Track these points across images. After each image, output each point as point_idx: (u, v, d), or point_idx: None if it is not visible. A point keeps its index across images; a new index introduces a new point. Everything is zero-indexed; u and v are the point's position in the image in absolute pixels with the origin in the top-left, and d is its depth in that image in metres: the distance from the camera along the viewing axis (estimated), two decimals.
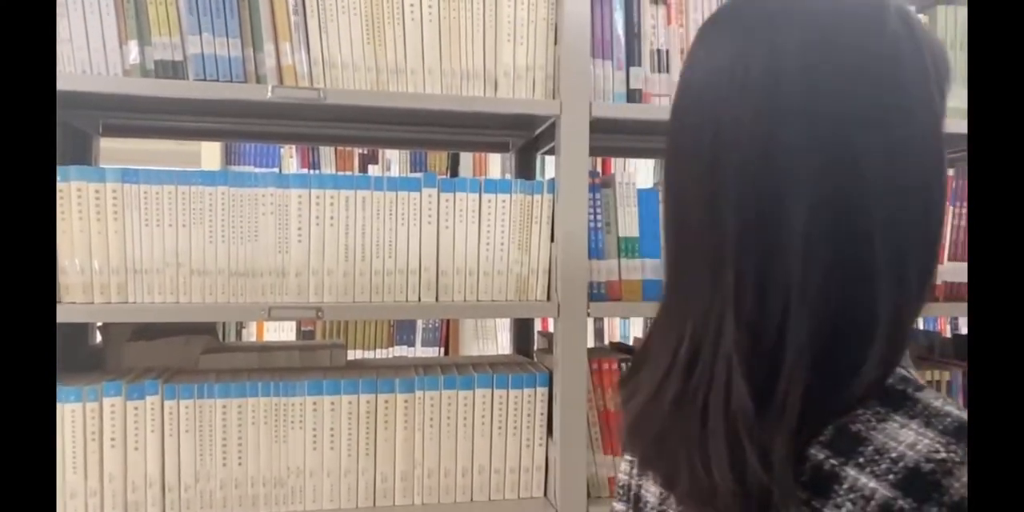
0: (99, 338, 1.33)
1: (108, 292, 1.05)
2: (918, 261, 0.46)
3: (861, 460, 0.42)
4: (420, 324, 2.46)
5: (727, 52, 0.48)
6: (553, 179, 1.17)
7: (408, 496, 1.14)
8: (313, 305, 1.09)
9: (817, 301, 0.44)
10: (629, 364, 0.59)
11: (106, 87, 1.05)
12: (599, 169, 2.49)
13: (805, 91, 0.45)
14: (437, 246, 1.14)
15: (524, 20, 1.15)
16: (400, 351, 2.44)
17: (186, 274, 1.07)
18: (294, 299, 1.09)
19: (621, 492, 0.63)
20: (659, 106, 1.21)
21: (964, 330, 2.04)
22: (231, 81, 1.07)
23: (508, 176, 1.85)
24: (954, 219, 1.27)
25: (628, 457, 0.63)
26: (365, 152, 2.52)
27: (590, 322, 1.18)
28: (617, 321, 2.63)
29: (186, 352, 1.25)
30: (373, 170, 2.52)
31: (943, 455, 0.40)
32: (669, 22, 1.22)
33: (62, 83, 1.00)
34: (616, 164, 2.55)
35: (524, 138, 1.43)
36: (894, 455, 0.41)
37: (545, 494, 1.18)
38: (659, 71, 1.22)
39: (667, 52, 1.22)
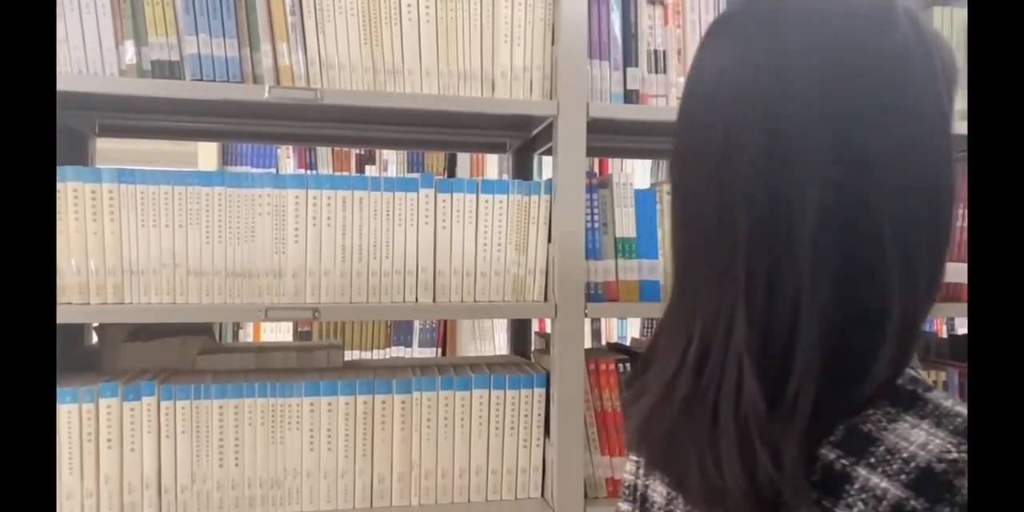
0: (95, 339, 1.33)
1: (104, 293, 1.05)
2: (927, 261, 0.46)
3: (872, 460, 0.42)
4: (417, 325, 2.46)
5: (736, 54, 0.49)
6: (550, 180, 1.17)
7: (405, 497, 1.14)
8: (310, 306, 1.08)
9: (828, 301, 0.45)
10: (635, 364, 0.59)
11: (102, 87, 1.04)
12: (596, 169, 2.50)
13: (814, 92, 0.45)
14: (434, 247, 1.14)
15: (521, 21, 1.15)
16: (397, 352, 2.44)
17: (183, 275, 1.07)
18: (291, 300, 1.09)
19: (627, 492, 0.63)
20: (656, 107, 1.21)
21: (960, 331, 2.05)
22: (228, 81, 1.07)
23: (505, 176, 1.85)
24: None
25: (634, 457, 0.63)
26: (362, 152, 2.51)
27: (587, 322, 1.18)
28: (614, 321, 2.64)
29: (183, 353, 1.25)
30: (370, 170, 2.52)
31: (955, 455, 0.40)
32: (666, 23, 1.22)
33: (59, 83, 1.00)
34: (613, 164, 2.55)
35: (521, 138, 1.43)
36: (906, 455, 0.41)
37: (542, 495, 1.18)
38: (656, 72, 1.22)
39: (664, 53, 1.22)
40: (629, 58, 1.21)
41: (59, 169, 1.03)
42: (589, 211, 1.17)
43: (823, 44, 0.46)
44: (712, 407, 0.46)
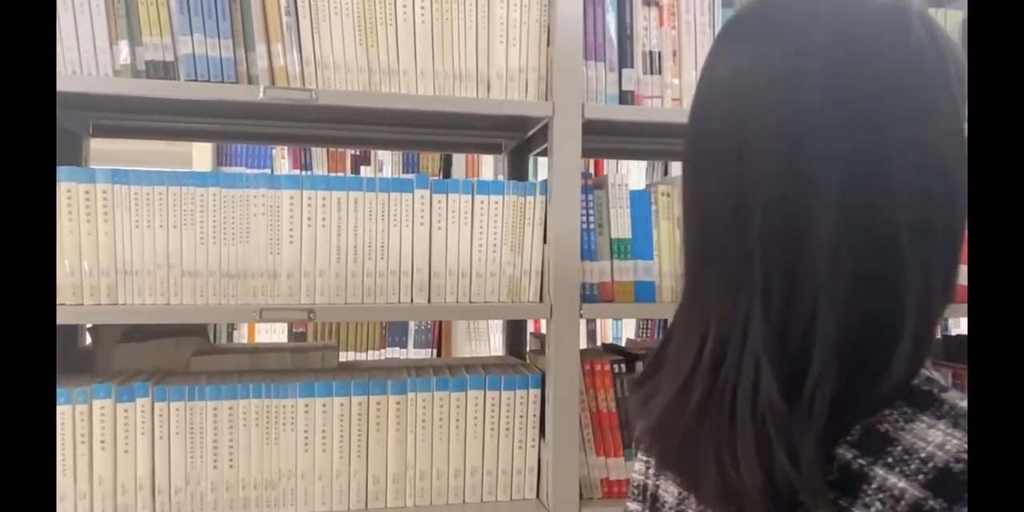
0: (89, 340, 1.32)
1: (98, 294, 1.04)
2: (943, 262, 0.47)
3: (890, 460, 0.42)
4: (412, 326, 2.45)
5: (750, 57, 0.49)
6: (546, 180, 1.17)
7: (400, 498, 1.14)
8: (305, 306, 1.08)
9: (845, 303, 0.45)
10: (643, 365, 0.59)
11: (96, 87, 1.04)
12: (591, 170, 2.50)
13: (830, 95, 0.45)
14: (429, 247, 1.14)
15: (517, 21, 1.15)
16: (392, 353, 2.43)
17: (177, 275, 1.06)
18: (286, 300, 1.09)
19: (636, 492, 0.63)
20: (651, 108, 1.22)
21: (955, 332, 2.06)
22: (222, 82, 1.07)
23: (501, 177, 1.85)
24: None
25: (643, 457, 0.63)
26: (357, 153, 2.51)
27: (582, 323, 1.18)
28: (609, 322, 2.64)
29: (177, 354, 1.25)
30: (365, 171, 2.52)
31: None
32: (661, 24, 1.22)
33: None
34: (608, 165, 2.56)
35: (516, 139, 1.43)
36: (923, 455, 0.41)
37: (537, 496, 1.18)
38: (651, 73, 1.22)
39: (659, 54, 1.22)
40: (624, 59, 1.21)
41: None
42: (584, 212, 1.17)
43: (839, 48, 0.46)
44: (729, 407, 0.46)
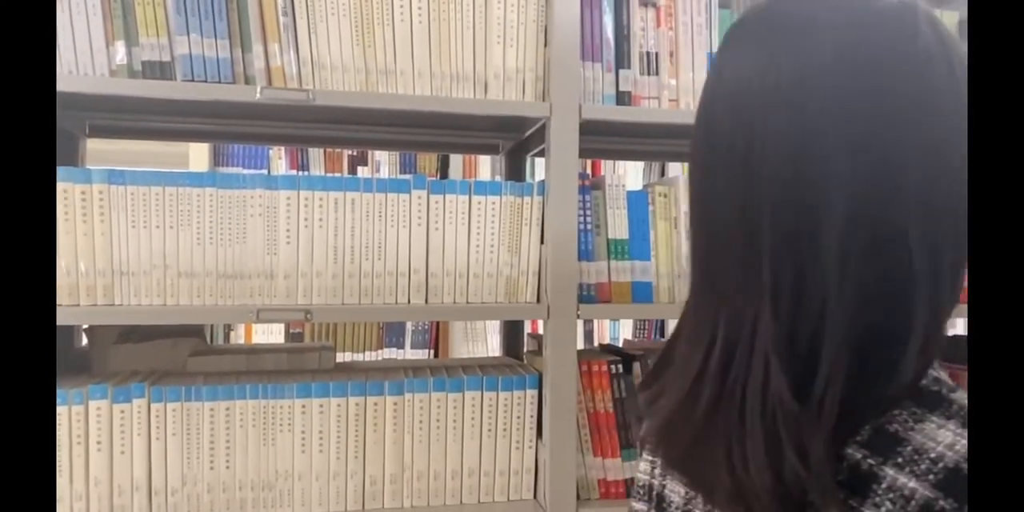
0: (85, 341, 1.32)
1: (94, 294, 1.04)
2: (951, 262, 0.47)
3: (900, 460, 0.42)
4: (409, 326, 2.45)
5: (758, 59, 0.49)
6: (543, 181, 1.17)
7: (397, 499, 1.14)
8: (302, 307, 1.08)
9: (854, 302, 0.45)
10: (651, 366, 0.59)
11: (93, 88, 1.04)
12: (588, 171, 2.50)
13: (839, 93, 0.46)
14: (427, 248, 1.14)
15: (514, 22, 1.15)
16: (389, 353, 2.43)
17: (173, 276, 1.06)
18: (282, 301, 1.09)
19: (641, 492, 0.63)
20: (648, 108, 1.22)
21: (948, 332, 2.05)
22: (219, 82, 1.07)
23: (498, 178, 1.85)
24: None
25: (648, 457, 0.63)
26: (354, 154, 2.51)
27: (580, 324, 1.18)
28: (607, 323, 2.64)
29: (173, 355, 1.24)
30: (362, 172, 2.51)
31: None
32: (658, 25, 1.22)
33: None
34: (605, 166, 2.56)
35: (514, 140, 1.43)
36: (933, 455, 0.41)
37: (535, 496, 1.18)
38: (648, 74, 1.22)
39: (656, 55, 1.22)
40: (621, 60, 1.21)
41: None
42: (581, 213, 1.17)
43: (846, 51, 0.46)
44: (739, 407, 0.46)
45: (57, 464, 1.03)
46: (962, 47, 0.49)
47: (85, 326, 1.31)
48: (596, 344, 2.45)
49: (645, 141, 1.46)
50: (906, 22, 0.47)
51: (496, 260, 1.15)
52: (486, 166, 2.55)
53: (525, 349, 1.51)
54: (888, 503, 0.42)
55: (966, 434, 0.42)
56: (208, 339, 1.61)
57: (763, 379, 0.46)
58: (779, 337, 0.46)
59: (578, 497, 1.16)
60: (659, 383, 0.55)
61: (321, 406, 1.11)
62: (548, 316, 1.14)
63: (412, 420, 1.13)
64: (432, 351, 2.47)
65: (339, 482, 1.12)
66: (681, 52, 1.23)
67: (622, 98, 1.21)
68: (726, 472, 0.46)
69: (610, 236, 1.19)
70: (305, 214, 1.09)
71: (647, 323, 2.64)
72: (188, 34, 1.06)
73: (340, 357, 2.18)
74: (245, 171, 2.41)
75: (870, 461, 0.43)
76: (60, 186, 1.02)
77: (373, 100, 1.11)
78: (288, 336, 2.39)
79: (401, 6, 1.11)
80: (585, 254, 1.17)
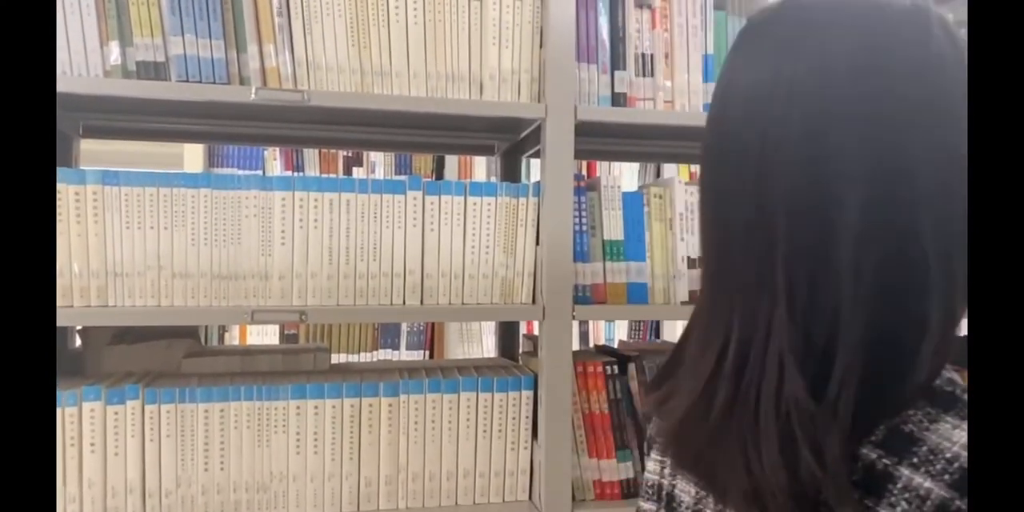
0: (79, 342, 1.32)
1: (88, 295, 1.04)
2: (964, 263, 0.47)
3: (915, 460, 0.42)
4: (405, 327, 2.45)
5: (773, 59, 0.49)
6: (538, 182, 1.18)
7: (392, 500, 1.14)
8: (297, 308, 1.08)
9: (869, 304, 0.45)
10: (661, 367, 0.59)
11: (87, 88, 1.04)
12: (584, 172, 2.50)
13: (854, 95, 0.46)
14: (422, 249, 1.13)
15: (509, 23, 1.15)
16: (384, 354, 2.43)
17: (168, 277, 1.06)
18: (277, 302, 1.09)
19: (650, 492, 0.63)
20: (644, 110, 1.22)
21: None
22: (214, 83, 1.07)
23: (493, 179, 1.85)
24: None
25: (657, 457, 0.63)
26: (349, 154, 2.51)
27: (575, 325, 1.18)
28: (602, 324, 2.64)
29: (168, 356, 1.24)
30: (358, 173, 2.51)
31: None
32: (654, 26, 1.23)
33: None
34: (601, 167, 2.56)
35: (509, 141, 1.43)
36: (949, 455, 0.41)
37: (530, 497, 1.18)
38: (644, 75, 1.22)
39: (651, 56, 1.22)
40: (617, 61, 1.21)
41: None
42: (577, 214, 1.17)
43: (862, 47, 0.46)
44: (753, 407, 0.47)
45: None
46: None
47: (79, 327, 1.31)
48: (591, 345, 2.45)
49: (640, 142, 1.46)
50: (919, 26, 0.47)
51: (491, 261, 1.15)
52: (482, 167, 2.55)
53: (520, 350, 1.51)
54: (904, 503, 0.42)
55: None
56: (202, 340, 1.61)
57: (778, 380, 0.46)
58: (794, 338, 0.46)
59: (573, 498, 1.16)
60: (669, 384, 0.55)
61: (316, 407, 1.10)
62: (543, 317, 1.14)
63: (407, 421, 1.13)
64: (427, 352, 2.46)
65: (334, 483, 1.12)
66: (676, 54, 1.23)
67: (617, 99, 1.21)
68: (742, 472, 0.46)
69: (605, 237, 1.19)
70: (300, 215, 1.09)
71: (642, 324, 2.64)
72: (183, 34, 1.05)
73: (335, 358, 2.17)
74: (240, 172, 2.40)
75: (885, 461, 0.43)
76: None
77: (368, 101, 1.11)
78: (283, 337, 2.38)
79: (396, 7, 1.11)
80: (580, 255, 1.17)
